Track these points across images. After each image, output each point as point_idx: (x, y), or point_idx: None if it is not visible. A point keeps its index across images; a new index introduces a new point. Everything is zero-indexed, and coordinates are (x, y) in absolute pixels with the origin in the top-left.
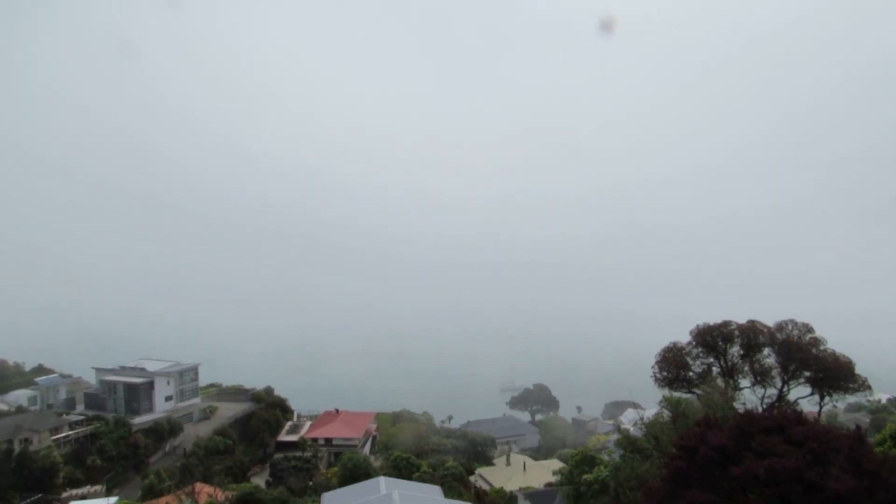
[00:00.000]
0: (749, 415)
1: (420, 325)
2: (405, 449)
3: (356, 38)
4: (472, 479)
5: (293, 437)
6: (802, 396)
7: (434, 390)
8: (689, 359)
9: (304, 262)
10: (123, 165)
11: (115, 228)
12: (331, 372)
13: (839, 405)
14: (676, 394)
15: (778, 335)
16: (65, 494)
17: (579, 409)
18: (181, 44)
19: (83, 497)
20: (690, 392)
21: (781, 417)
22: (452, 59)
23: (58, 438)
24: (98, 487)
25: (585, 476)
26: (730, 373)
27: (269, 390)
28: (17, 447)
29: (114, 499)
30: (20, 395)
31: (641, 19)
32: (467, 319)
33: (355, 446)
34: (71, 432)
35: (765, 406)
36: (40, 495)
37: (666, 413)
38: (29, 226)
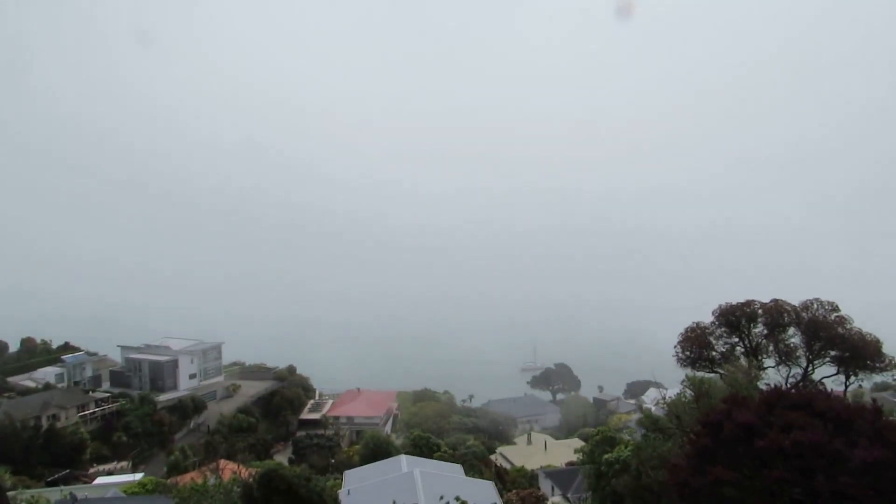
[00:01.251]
0: (777, 391)
1: (444, 309)
2: (426, 428)
3: (359, 32)
4: (493, 457)
5: (315, 416)
6: (828, 376)
7: (455, 370)
8: (711, 338)
9: (337, 256)
10: (125, 160)
11: (122, 222)
12: (353, 354)
13: (865, 385)
14: (699, 373)
15: (803, 314)
16: (92, 470)
17: (601, 388)
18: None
19: (109, 473)
20: (713, 372)
21: (809, 394)
22: (458, 50)
23: (84, 415)
24: (124, 464)
25: (606, 455)
26: (753, 352)
27: (291, 369)
28: (45, 423)
29: (139, 475)
30: (48, 373)
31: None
32: (490, 303)
33: (377, 425)
34: (97, 409)
35: (789, 386)
36: (68, 470)
37: (688, 392)
38: (46, 215)
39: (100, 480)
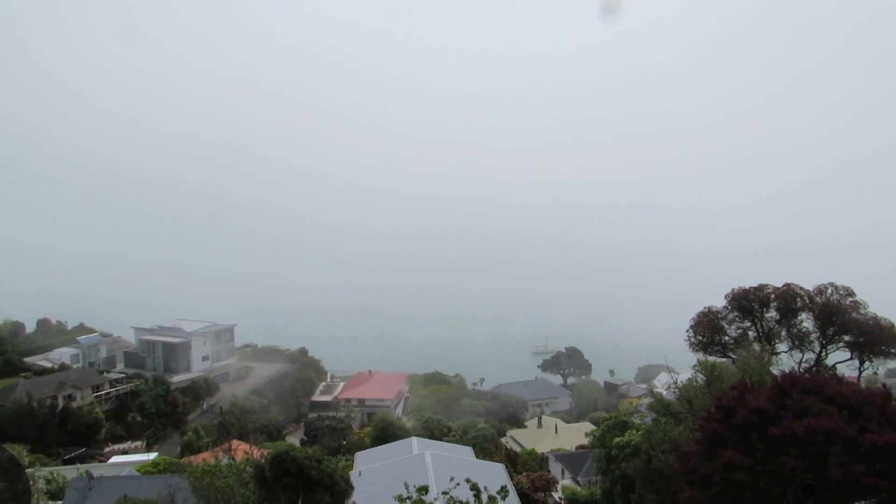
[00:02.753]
0: (790, 376)
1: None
2: (437, 411)
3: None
4: (503, 440)
5: (327, 398)
6: (841, 361)
7: (466, 353)
8: (724, 323)
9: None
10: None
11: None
12: (363, 336)
13: (880, 370)
14: (711, 358)
15: (817, 298)
16: (107, 449)
17: (612, 372)
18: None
19: (124, 452)
20: (725, 356)
21: (823, 380)
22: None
23: (99, 395)
24: (138, 443)
25: (617, 439)
26: (766, 337)
27: (303, 351)
28: (61, 403)
29: (153, 454)
30: (63, 353)
31: None
32: (500, 284)
33: (388, 407)
34: (112, 389)
35: (802, 371)
36: (83, 449)
37: (700, 377)
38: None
39: (115, 459)
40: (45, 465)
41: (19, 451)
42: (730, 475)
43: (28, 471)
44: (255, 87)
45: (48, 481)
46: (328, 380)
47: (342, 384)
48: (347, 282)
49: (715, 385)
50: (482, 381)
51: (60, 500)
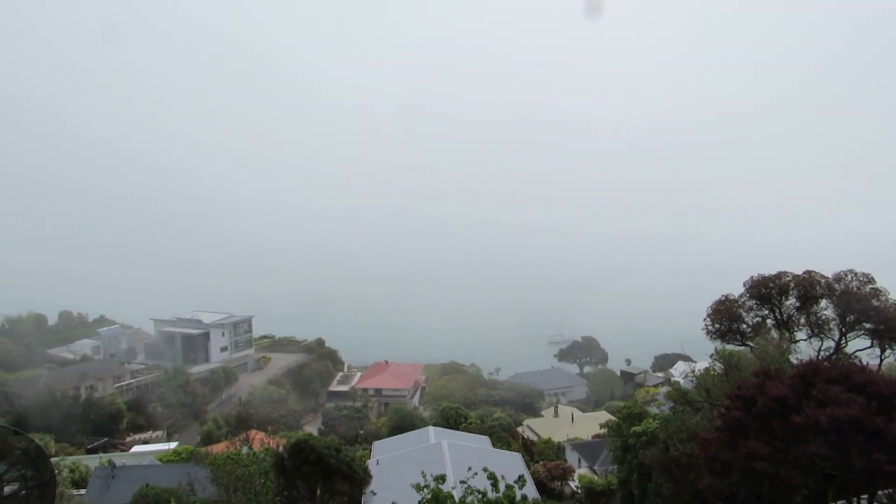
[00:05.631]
0: (812, 364)
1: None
2: (453, 400)
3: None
4: (519, 430)
5: (344, 388)
6: (861, 349)
7: (482, 343)
8: (742, 311)
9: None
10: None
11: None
12: (380, 325)
13: None
14: (729, 346)
15: (836, 286)
16: (128, 439)
17: (628, 361)
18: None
19: (145, 442)
20: (743, 345)
21: (846, 367)
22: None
23: (120, 386)
24: (159, 433)
25: (634, 428)
26: (785, 325)
27: (320, 342)
28: (83, 393)
29: (174, 444)
30: (84, 345)
31: None
32: (515, 272)
33: (404, 397)
34: (132, 380)
35: (821, 359)
36: (106, 439)
37: (718, 366)
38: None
39: (136, 449)
40: (69, 454)
41: (45, 441)
42: (750, 464)
43: (53, 459)
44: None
45: (72, 470)
46: (345, 370)
47: (359, 374)
48: (360, 271)
49: (733, 374)
50: (498, 370)
51: (84, 488)
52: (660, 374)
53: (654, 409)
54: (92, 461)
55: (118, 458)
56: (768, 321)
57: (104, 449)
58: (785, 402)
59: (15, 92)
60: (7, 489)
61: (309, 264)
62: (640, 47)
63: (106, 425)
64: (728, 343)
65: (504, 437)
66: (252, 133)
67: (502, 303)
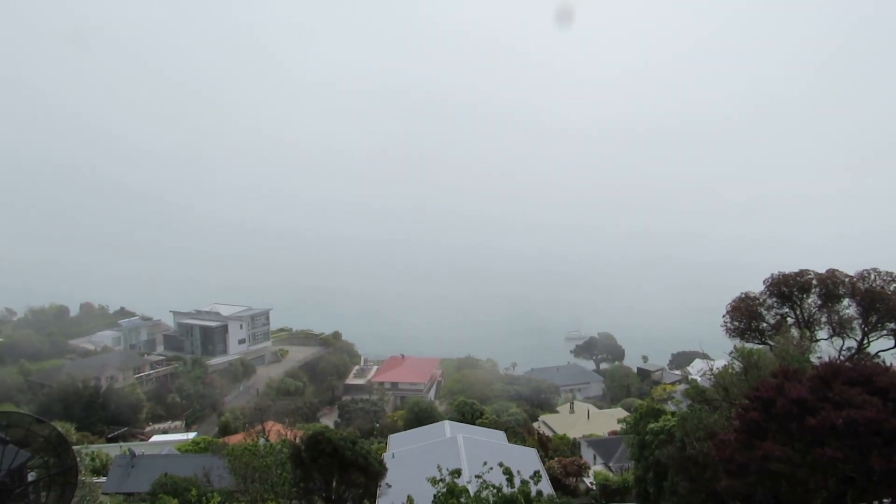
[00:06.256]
0: (832, 365)
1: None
2: (469, 395)
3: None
4: (535, 425)
5: (360, 381)
6: (885, 349)
7: (498, 338)
8: (762, 309)
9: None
10: None
11: None
12: (397, 319)
13: None
14: (748, 345)
15: (859, 285)
16: (148, 429)
17: (645, 358)
18: None
19: (164, 431)
20: (763, 343)
21: (869, 369)
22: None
23: (140, 377)
24: (178, 423)
25: (651, 425)
26: (806, 324)
27: (337, 335)
28: (104, 384)
29: (192, 434)
30: (105, 336)
31: None
32: (532, 270)
33: (420, 391)
34: (152, 371)
35: (843, 358)
36: (126, 428)
37: (737, 364)
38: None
39: (156, 438)
40: (90, 442)
41: (66, 429)
42: (768, 465)
43: (74, 448)
44: None
45: (93, 458)
46: (361, 363)
47: (375, 368)
48: (379, 265)
49: (752, 372)
50: (514, 365)
51: (105, 476)
52: (677, 372)
53: (670, 407)
54: (112, 450)
55: (138, 447)
56: (789, 319)
57: (124, 438)
58: (804, 403)
59: (39, 92)
60: (31, 475)
61: (328, 258)
62: (645, 47)
63: (126, 415)
64: (747, 341)
65: (519, 432)
66: (270, 128)
67: (517, 300)
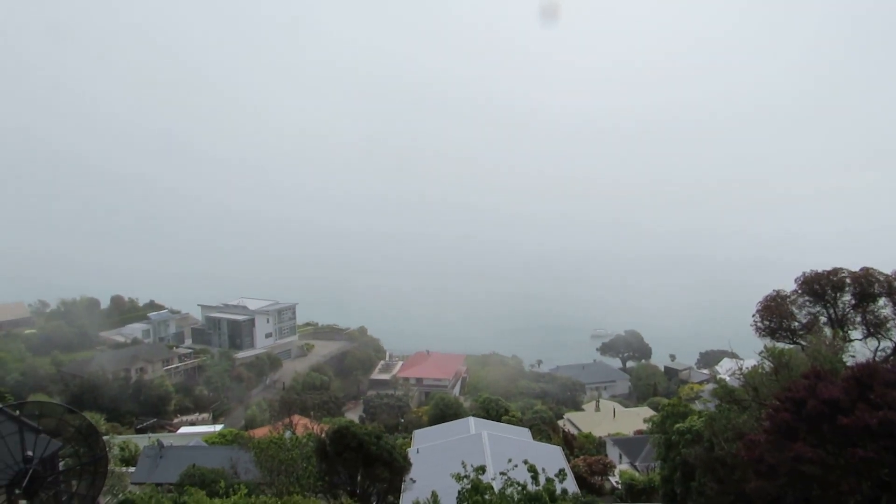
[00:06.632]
0: (868, 366)
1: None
2: (494, 391)
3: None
4: (560, 423)
5: (385, 376)
6: None
7: (523, 335)
8: (793, 308)
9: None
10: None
11: None
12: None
13: None
14: (779, 344)
15: (895, 283)
16: (176, 420)
17: (672, 357)
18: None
19: (192, 423)
20: (794, 343)
21: None
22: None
23: (169, 369)
24: (205, 415)
25: (678, 425)
26: (839, 324)
27: (362, 330)
28: (133, 375)
29: (219, 426)
30: (135, 329)
31: None
32: (558, 267)
33: (445, 387)
34: (180, 364)
35: (878, 359)
36: (154, 420)
37: (767, 364)
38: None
39: (183, 430)
40: (119, 433)
41: (96, 419)
42: (799, 467)
43: (104, 438)
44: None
45: (122, 448)
46: (387, 359)
47: (400, 363)
48: (403, 261)
49: (783, 372)
50: (539, 362)
51: (133, 466)
52: (705, 371)
53: (698, 406)
54: (141, 440)
55: (166, 438)
56: (821, 319)
57: (152, 429)
58: (837, 404)
59: (86, 93)
60: (62, 464)
61: (353, 253)
62: (666, 41)
63: (154, 406)
64: (778, 341)
65: (544, 429)
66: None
67: (530, 296)
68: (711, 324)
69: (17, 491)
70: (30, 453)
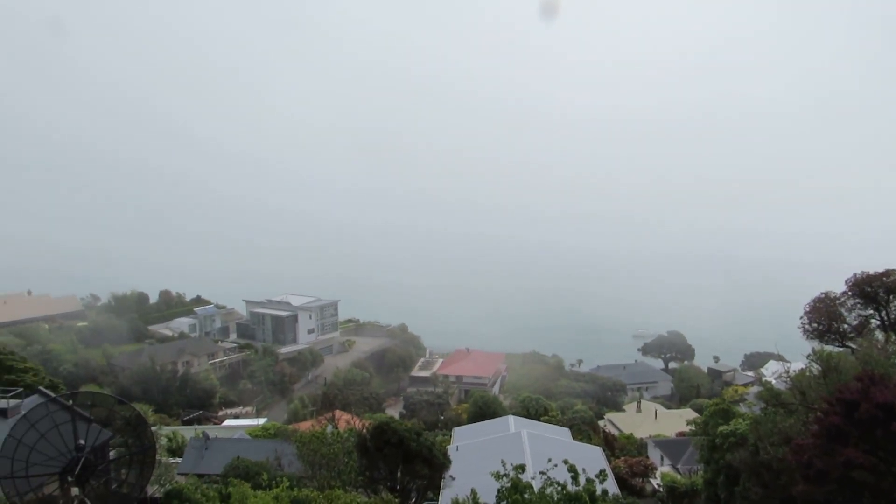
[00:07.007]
0: None
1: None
2: (534, 390)
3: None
4: (601, 423)
5: (425, 373)
6: None
7: (564, 334)
8: (843, 310)
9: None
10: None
11: None
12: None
13: None
14: (827, 347)
15: None
16: (220, 413)
17: (716, 358)
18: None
19: (236, 417)
20: (843, 346)
21: None
22: None
23: (214, 363)
24: (249, 409)
25: (721, 428)
26: (892, 326)
27: (403, 327)
28: (180, 368)
29: (263, 420)
30: (182, 323)
31: None
32: (599, 267)
33: (485, 385)
34: (225, 358)
35: None
36: (200, 412)
37: (815, 367)
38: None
39: (228, 423)
40: (166, 424)
41: (144, 410)
42: (849, 473)
43: (152, 429)
44: None
45: (169, 439)
46: (427, 356)
47: (440, 360)
48: (444, 260)
49: (832, 376)
50: (580, 362)
51: (180, 456)
52: (750, 373)
53: (743, 409)
54: (187, 432)
55: (211, 430)
56: (872, 322)
57: (198, 421)
58: (891, 409)
59: (135, 96)
60: (112, 454)
61: (395, 251)
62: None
63: (200, 399)
64: (826, 343)
65: (585, 430)
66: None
67: (560, 294)
68: (754, 324)
69: (69, 478)
70: (82, 442)
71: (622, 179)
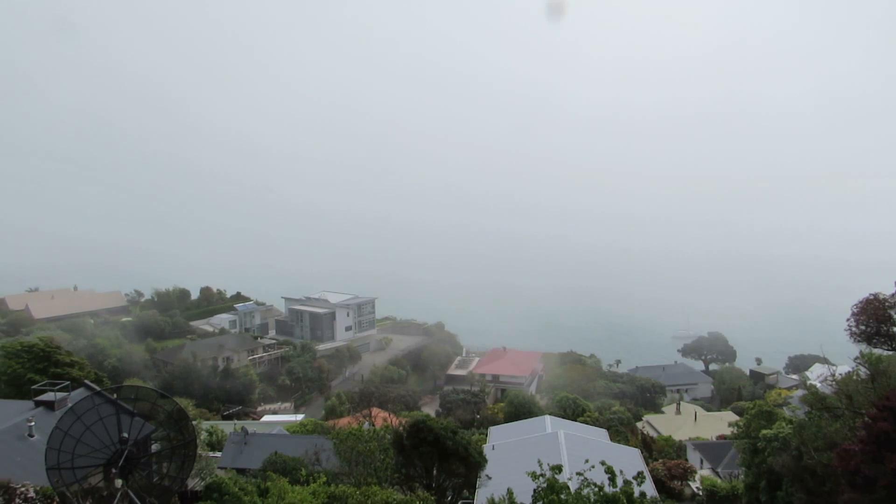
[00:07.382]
0: None
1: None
2: (571, 390)
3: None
4: (639, 425)
5: (462, 372)
6: None
7: (603, 333)
8: (892, 312)
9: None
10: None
11: None
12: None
13: None
14: (876, 351)
15: None
16: (259, 408)
17: (758, 360)
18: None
19: (275, 412)
20: (893, 350)
21: None
22: None
23: (253, 359)
24: (287, 404)
25: (764, 431)
26: None
27: (440, 325)
28: (220, 364)
29: (301, 416)
30: (223, 319)
31: None
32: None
33: (521, 384)
34: (264, 354)
35: None
36: (240, 407)
37: (863, 371)
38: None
39: (267, 418)
40: (207, 418)
41: (186, 405)
42: None
43: (193, 423)
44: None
45: (209, 433)
46: (463, 354)
47: (477, 359)
48: (484, 259)
49: (880, 380)
50: (618, 362)
51: (219, 450)
52: (794, 377)
53: (786, 413)
54: (227, 426)
55: (250, 425)
56: None
57: (238, 416)
58: None
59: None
60: (154, 447)
61: (432, 249)
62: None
63: (240, 394)
64: (875, 347)
65: (622, 431)
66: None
67: (592, 293)
68: (797, 325)
69: (113, 470)
70: (125, 435)
71: (658, 180)
